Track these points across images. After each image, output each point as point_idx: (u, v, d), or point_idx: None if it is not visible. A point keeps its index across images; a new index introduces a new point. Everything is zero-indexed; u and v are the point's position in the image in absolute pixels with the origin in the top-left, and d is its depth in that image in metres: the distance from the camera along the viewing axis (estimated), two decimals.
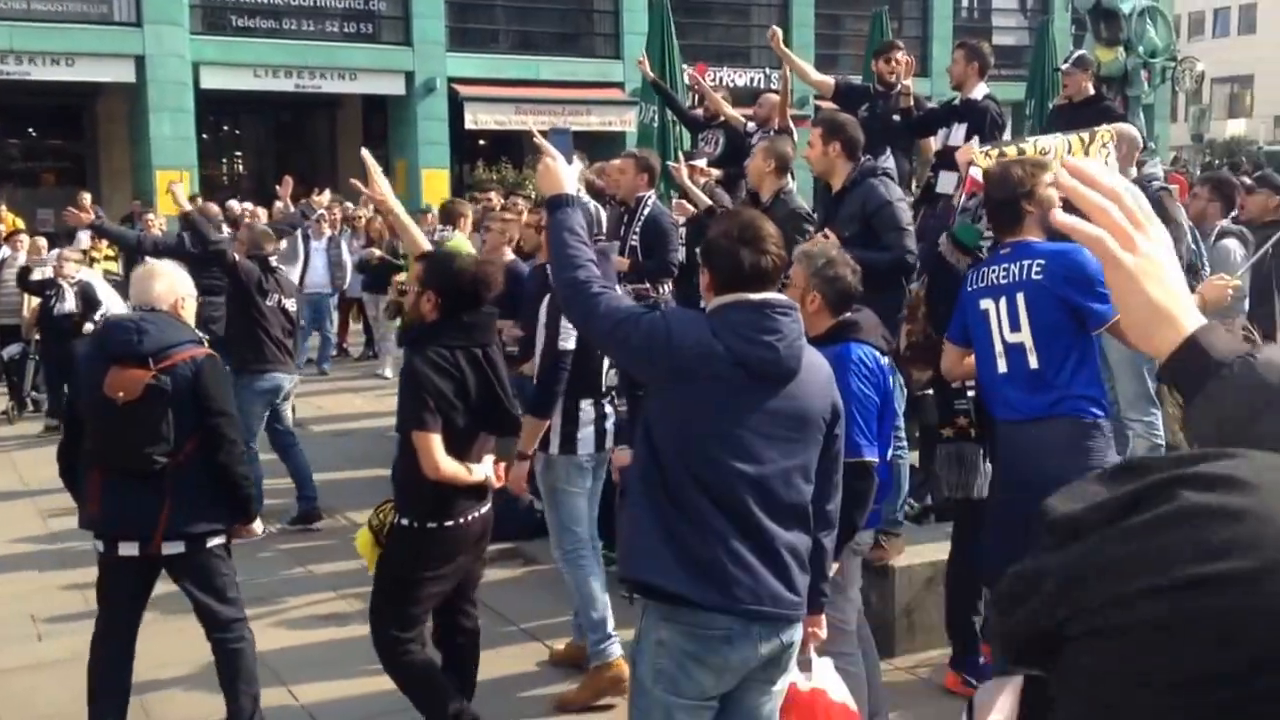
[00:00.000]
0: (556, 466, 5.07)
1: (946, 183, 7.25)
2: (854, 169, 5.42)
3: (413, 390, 4.14)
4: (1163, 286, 1.19)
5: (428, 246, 4.93)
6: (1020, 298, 4.17)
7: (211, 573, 4.49)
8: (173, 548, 4.38)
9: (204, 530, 4.43)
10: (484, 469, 4.34)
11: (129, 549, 4.37)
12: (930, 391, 5.27)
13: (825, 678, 3.67)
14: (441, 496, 4.21)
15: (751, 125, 8.91)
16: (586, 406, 5.06)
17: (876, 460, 3.96)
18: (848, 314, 4.05)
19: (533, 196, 9.33)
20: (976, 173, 4.51)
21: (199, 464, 4.37)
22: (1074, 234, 1.22)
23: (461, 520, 4.26)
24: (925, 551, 5.62)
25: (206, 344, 4.71)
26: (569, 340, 4.82)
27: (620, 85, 27.55)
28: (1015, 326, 4.18)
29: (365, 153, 4.83)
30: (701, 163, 8.19)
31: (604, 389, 5.13)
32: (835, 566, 3.73)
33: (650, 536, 3.02)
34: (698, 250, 3.44)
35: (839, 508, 3.37)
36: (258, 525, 4.75)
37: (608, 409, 5.18)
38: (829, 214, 5.71)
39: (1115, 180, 1.21)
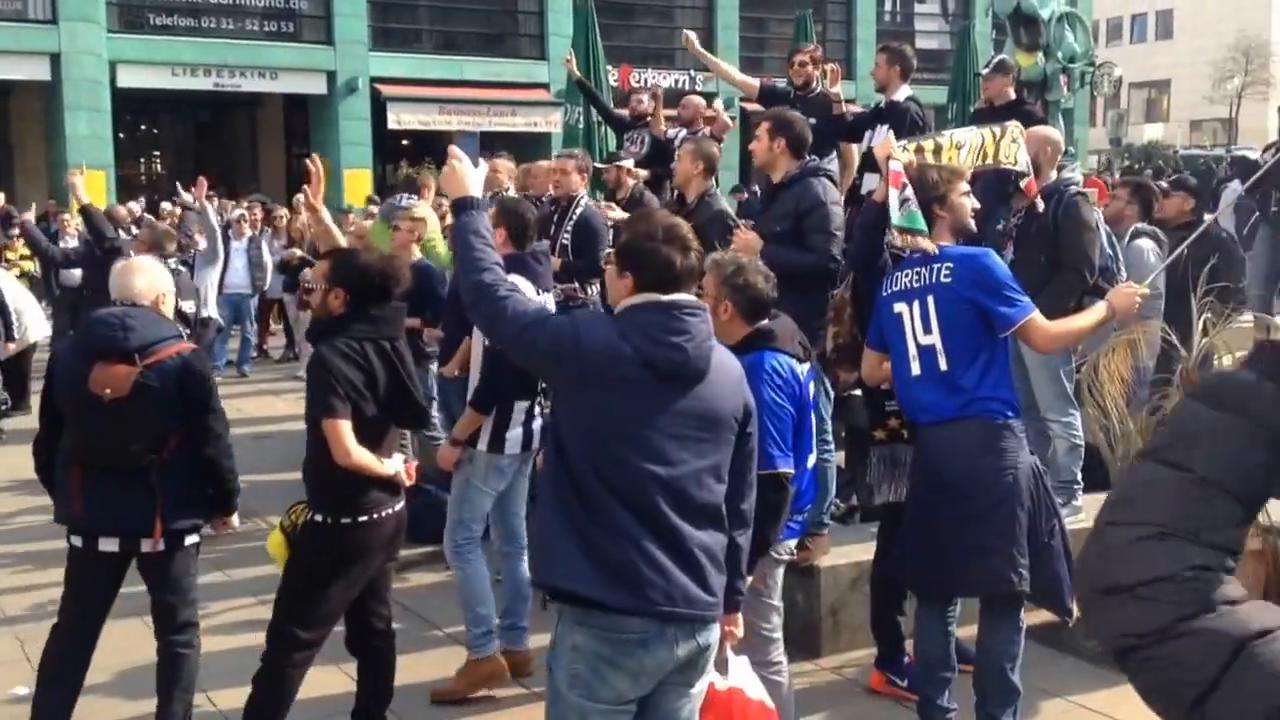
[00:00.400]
0: (477, 462, 5.09)
1: (872, 184, 7.30)
2: (796, 167, 5.46)
3: (320, 379, 4.11)
4: None
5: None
6: (930, 301, 4.22)
7: (182, 572, 4.49)
8: (155, 544, 4.36)
9: (185, 527, 4.44)
10: (395, 464, 4.31)
11: (109, 545, 4.34)
12: (858, 392, 5.29)
13: (742, 676, 3.67)
14: (354, 489, 4.17)
15: (671, 131, 8.92)
16: (519, 407, 5.09)
17: (791, 471, 3.94)
18: (763, 322, 4.03)
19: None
20: (897, 165, 4.54)
21: (183, 460, 4.37)
22: None
23: (375, 516, 4.23)
24: (851, 552, 5.64)
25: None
26: None
27: (545, 86, 27.50)
28: (927, 329, 4.22)
29: (315, 160, 4.88)
30: (629, 163, 8.17)
31: (538, 389, 5.14)
32: (751, 579, 3.71)
33: (561, 540, 3.01)
34: (613, 252, 3.40)
35: (754, 506, 3.36)
36: (235, 519, 4.74)
37: (537, 410, 5.19)
38: (764, 208, 5.76)
39: None
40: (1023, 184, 5.61)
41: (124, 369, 4.22)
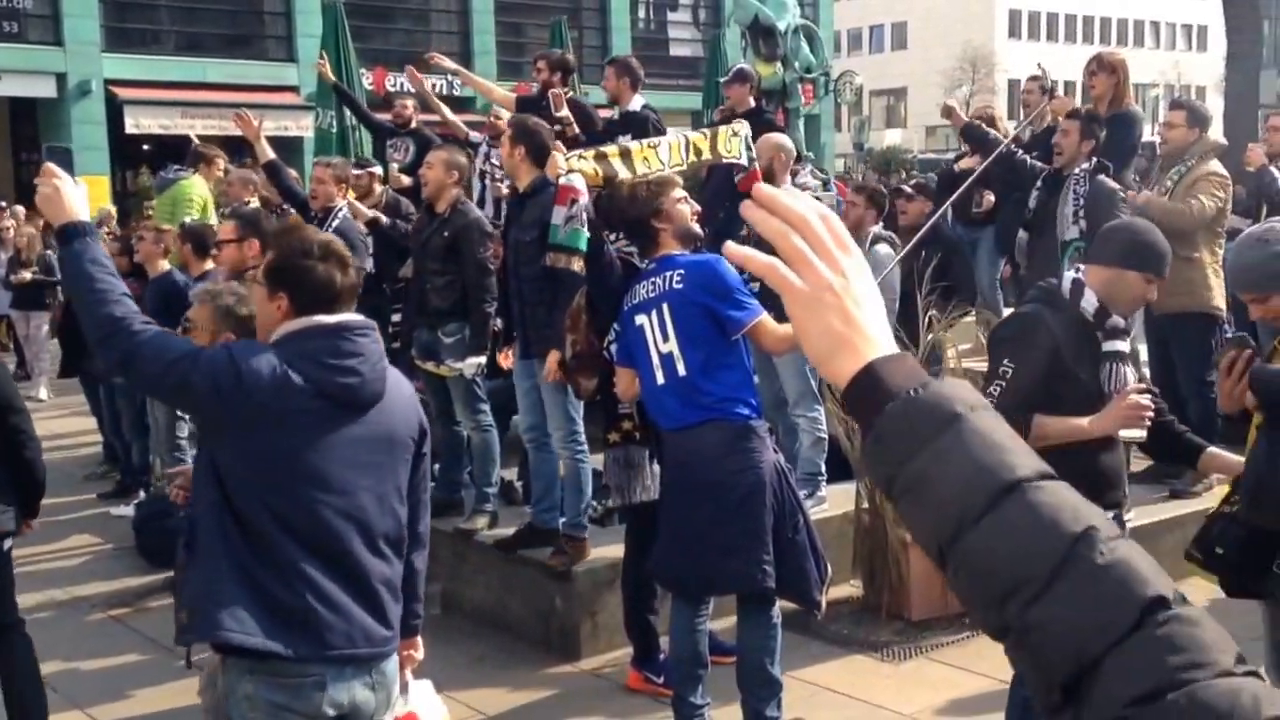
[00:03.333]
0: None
1: None
2: (539, 175, 5.44)
3: None
4: (843, 315, 1.11)
5: None
6: (666, 308, 4.32)
7: (5, 577, 4.46)
8: None
9: (3, 532, 4.37)
10: None
11: None
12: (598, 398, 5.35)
13: (420, 701, 3.58)
14: None
15: (476, 135, 8.83)
16: None
17: None
18: None
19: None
20: (570, 180, 4.61)
21: None
22: (747, 264, 1.17)
23: None
24: (608, 553, 5.70)
25: None
26: None
27: (295, 89, 26.72)
28: (665, 337, 4.32)
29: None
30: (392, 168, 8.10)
31: None
32: None
33: (228, 591, 2.78)
34: (259, 272, 3.10)
35: (429, 527, 3.30)
36: (36, 521, 4.67)
37: None
38: (512, 216, 5.77)
39: (804, 205, 1.15)
40: (737, 179, 5.76)
41: None
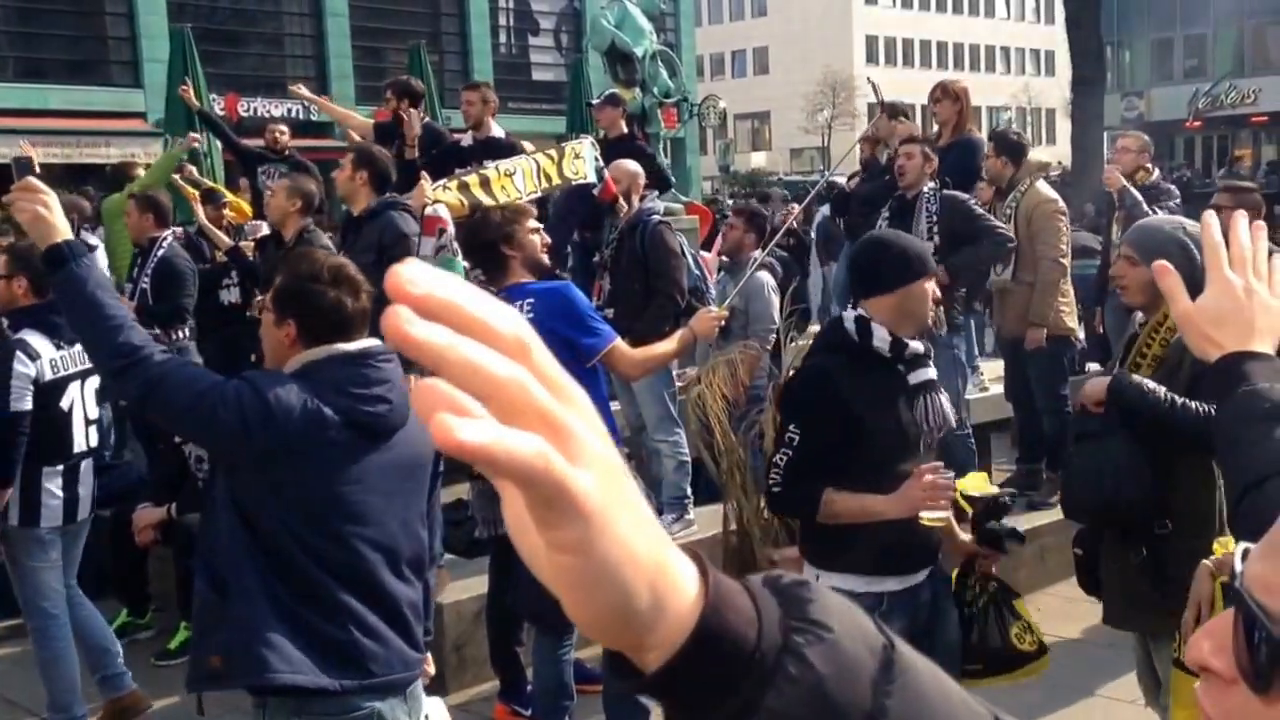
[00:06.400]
0: (14, 539, 4.68)
1: None
2: (376, 200, 5.50)
3: None
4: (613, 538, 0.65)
5: None
6: None
7: None
8: None
9: None
10: None
11: None
12: None
13: (436, 716, 3.55)
14: None
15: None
16: (49, 473, 4.68)
17: None
18: None
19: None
20: (435, 210, 4.55)
21: None
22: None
23: None
24: (472, 585, 5.56)
25: None
26: (23, 401, 4.50)
27: (142, 115, 25.92)
28: None
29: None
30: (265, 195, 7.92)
31: (70, 454, 4.76)
32: None
33: (271, 630, 2.69)
34: (267, 298, 2.99)
35: (441, 544, 3.30)
36: None
37: (83, 475, 4.83)
38: (348, 240, 5.73)
39: (483, 309, 0.62)
40: (596, 192, 5.79)
41: None
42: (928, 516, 3.14)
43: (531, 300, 4.26)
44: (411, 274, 0.60)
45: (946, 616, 3.48)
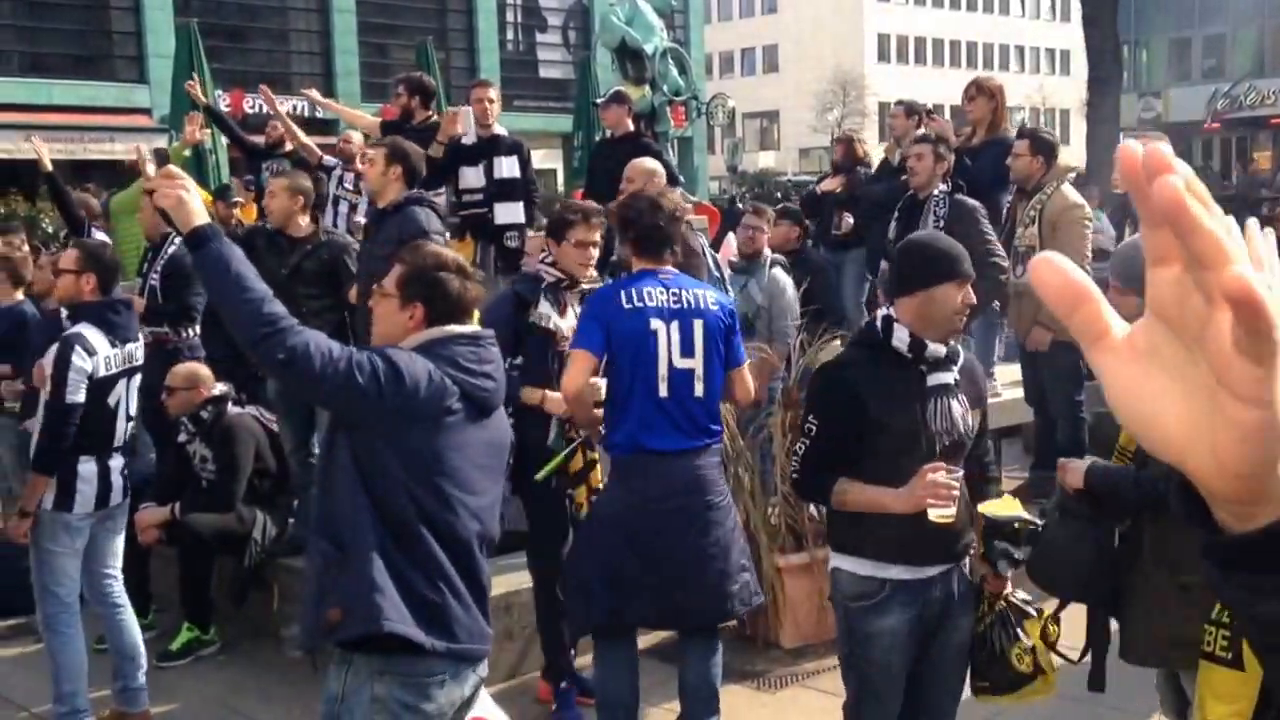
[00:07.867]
0: (43, 521, 4.76)
1: (503, 213, 7.61)
2: (403, 195, 5.54)
3: None
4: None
5: None
6: (698, 324, 4.27)
7: None
8: None
9: None
10: None
11: None
12: None
13: (486, 706, 3.62)
14: None
15: (330, 160, 8.61)
16: (86, 463, 4.79)
17: None
18: None
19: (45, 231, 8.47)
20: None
21: None
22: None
23: None
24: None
25: None
26: (78, 393, 4.61)
27: (147, 111, 25.86)
28: (688, 353, 4.24)
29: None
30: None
31: (112, 445, 4.86)
32: None
33: (382, 584, 2.88)
34: (388, 283, 3.15)
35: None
36: None
37: (117, 464, 4.90)
38: (369, 231, 5.80)
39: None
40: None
41: None
42: (935, 514, 3.21)
43: (714, 296, 4.31)
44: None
45: (958, 619, 3.48)
